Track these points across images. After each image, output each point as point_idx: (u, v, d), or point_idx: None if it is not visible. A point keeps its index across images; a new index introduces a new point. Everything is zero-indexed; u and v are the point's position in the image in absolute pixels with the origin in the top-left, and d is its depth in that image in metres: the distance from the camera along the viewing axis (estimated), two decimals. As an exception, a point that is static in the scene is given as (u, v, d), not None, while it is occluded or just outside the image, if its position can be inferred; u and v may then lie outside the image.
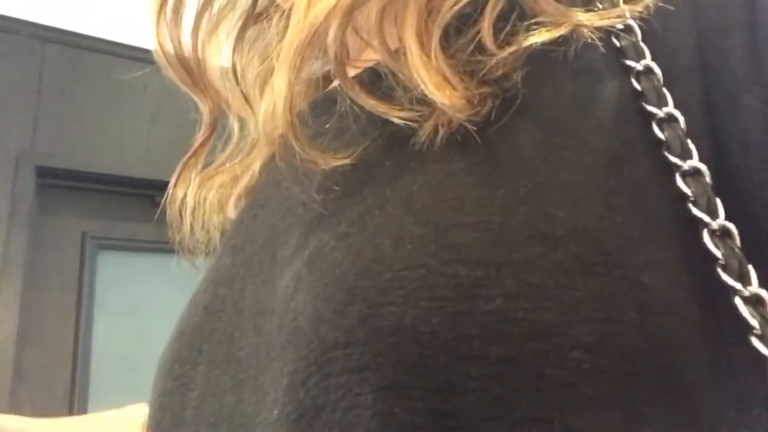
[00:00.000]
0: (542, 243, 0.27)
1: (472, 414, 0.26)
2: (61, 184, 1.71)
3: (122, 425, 0.58)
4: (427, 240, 0.28)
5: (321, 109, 0.38)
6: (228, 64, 0.44)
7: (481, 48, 0.32)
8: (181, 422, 0.36)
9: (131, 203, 1.78)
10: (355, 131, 0.34)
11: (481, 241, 0.27)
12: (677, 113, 0.31)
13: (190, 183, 0.46)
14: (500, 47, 0.31)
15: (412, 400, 0.26)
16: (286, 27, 0.34)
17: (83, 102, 1.71)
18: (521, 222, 0.28)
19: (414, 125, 0.31)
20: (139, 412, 0.58)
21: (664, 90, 0.31)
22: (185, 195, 0.46)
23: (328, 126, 0.36)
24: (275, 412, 0.29)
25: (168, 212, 0.46)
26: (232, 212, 0.44)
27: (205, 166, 0.46)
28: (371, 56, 0.36)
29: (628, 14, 0.33)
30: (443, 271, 0.27)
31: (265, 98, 0.34)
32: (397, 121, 0.31)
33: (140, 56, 1.67)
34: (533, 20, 0.32)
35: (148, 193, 1.75)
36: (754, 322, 0.28)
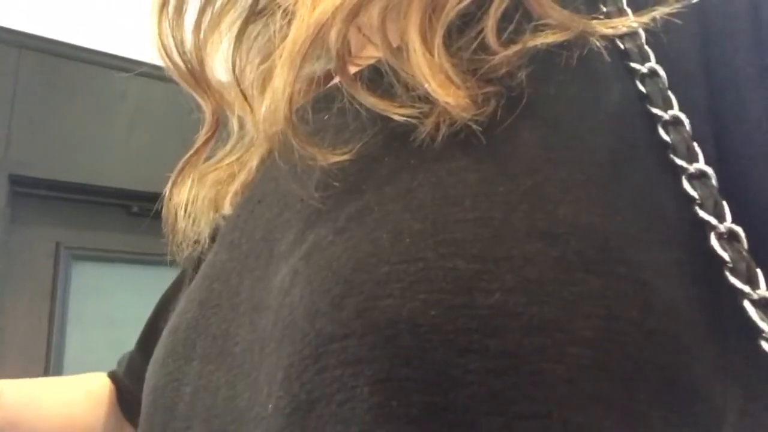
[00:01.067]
0: (542, 239, 0.27)
1: (470, 408, 0.25)
2: (34, 193, 1.68)
3: (79, 392, 0.58)
4: (425, 234, 0.28)
5: (321, 105, 0.37)
6: (228, 65, 0.43)
7: (484, 47, 0.32)
8: (173, 417, 0.35)
9: (106, 213, 1.75)
10: (354, 128, 0.34)
11: (481, 236, 0.27)
12: (683, 116, 0.31)
13: (188, 180, 0.45)
14: (504, 46, 0.31)
15: (409, 394, 0.26)
16: (288, 24, 0.34)
17: (59, 110, 1.69)
18: (521, 218, 0.28)
19: (414, 122, 0.31)
20: (98, 384, 0.59)
21: (669, 93, 0.32)
22: (182, 192, 0.45)
23: (327, 122, 0.36)
24: (270, 406, 0.29)
25: (164, 209, 0.46)
26: (228, 209, 0.44)
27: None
28: (372, 53, 0.36)
29: (635, 24, 0.33)
30: (442, 265, 0.27)
31: (266, 96, 0.33)
32: (397, 118, 0.31)
33: (118, 65, 1.65)
34: (540, 21, 0.32)
35: (124, 203, 1.73)
36: (764, 326, 0.28)
